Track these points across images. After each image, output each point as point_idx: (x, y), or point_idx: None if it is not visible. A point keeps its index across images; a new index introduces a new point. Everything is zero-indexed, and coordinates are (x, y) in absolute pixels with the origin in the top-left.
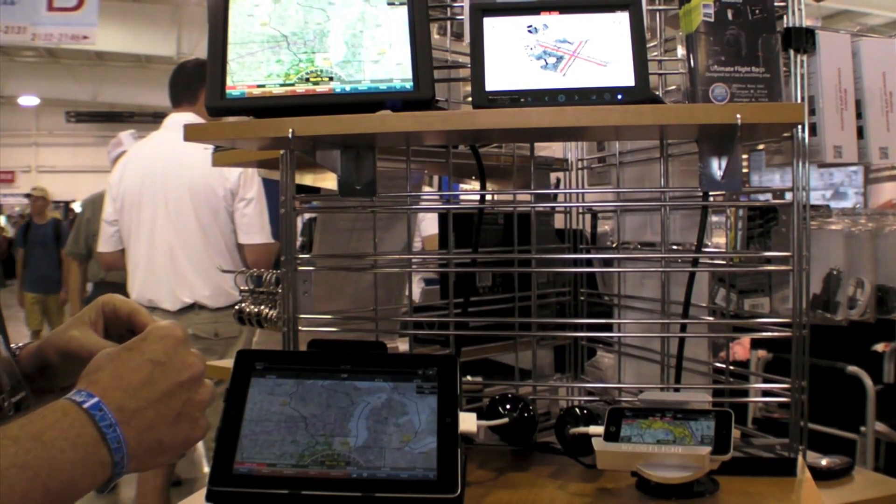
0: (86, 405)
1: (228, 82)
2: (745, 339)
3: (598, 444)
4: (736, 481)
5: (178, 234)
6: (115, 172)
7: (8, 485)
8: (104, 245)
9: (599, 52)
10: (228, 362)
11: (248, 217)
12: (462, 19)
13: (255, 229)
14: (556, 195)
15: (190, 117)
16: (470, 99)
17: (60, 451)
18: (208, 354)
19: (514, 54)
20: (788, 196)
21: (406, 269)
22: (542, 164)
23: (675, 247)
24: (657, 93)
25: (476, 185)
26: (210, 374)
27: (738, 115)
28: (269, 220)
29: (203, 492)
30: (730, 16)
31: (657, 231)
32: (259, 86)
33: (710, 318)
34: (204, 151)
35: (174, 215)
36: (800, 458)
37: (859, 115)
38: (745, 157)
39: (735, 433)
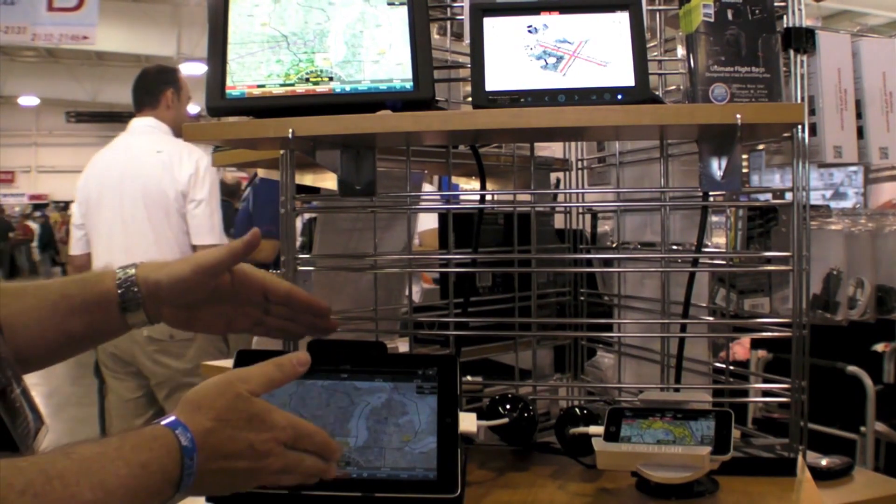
0: (185, 453)
1: (228, 82)
2: (745, 340)
3: (598, 444)
4: (736, 481)
5: (131, 237)
6: (81, 177)
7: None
8: (74, 248)
9: (599, 52)
10: (228, 362)
11: (198, 218)
12: (462, 19)
13: (205, 230)
14: (556, 195)
15: (151, 122)
16: (470, 99)
17: (155, 483)
18: (164, 355)
19: (514, 54)
20: (788, 196)
21: (406, 269)
22: (542, 164)
23: (675, 247)
24: (657, 93)
25: (476, 184)
26: (209, 373)
27: (738, 116)
28: (220, 222)
29: None
30: (730, 16)
31: (657, 231)
32: (259, 86)
33: (710, 319)
34: (157, 155)
35: (129, 218)
36: (800, 459)
37: (859, 116)
38: (745, 157)
39: (735, 433)
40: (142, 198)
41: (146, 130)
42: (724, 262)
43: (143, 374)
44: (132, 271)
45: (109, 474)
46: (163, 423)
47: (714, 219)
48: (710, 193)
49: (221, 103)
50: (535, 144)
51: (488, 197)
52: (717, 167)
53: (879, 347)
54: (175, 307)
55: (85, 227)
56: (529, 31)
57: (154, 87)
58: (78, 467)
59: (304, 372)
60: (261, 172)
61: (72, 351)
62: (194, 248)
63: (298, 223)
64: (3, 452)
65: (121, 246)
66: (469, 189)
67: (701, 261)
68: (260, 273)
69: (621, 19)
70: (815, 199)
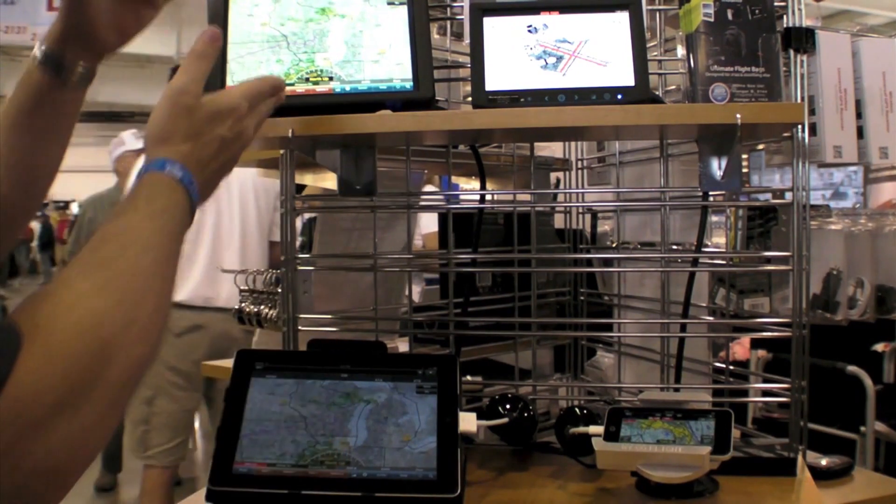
0: (185, 183)
1: (228, 82)
2: (745, 339)
3: (597, 443)
4: (736, 481)
5: (245, 231)
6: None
7: (159, 248)
8: None
9: (599, 51)
10: (228, 362)
11: (277, 214)
12: (462, 19)
13: (277, 227)
14: (556, 195)
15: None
16: (470, 99)
17: (178, 218)
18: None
19: (513, 54)
20: (788, 196)
21: (406, 269)
22: (541, 163)
23: (675, 247)
24: (657, 93)
25: (476, 184)
26: (211, 374)
27: (738, 115)
28: None
29: (203, 491)
30: (730, 16)
31: (657, 231)
32: None
33: (710, 318)
34: None
35: (239, 213)
36: (800, 458)
37: (859, 115)
38: (745, 157)
39: (735, 433)
40: (252, 193)
41: None
42: (724, 262)
43: None
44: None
45: (147, 234)
46: (151, 169)
47: (714, 219)
48: (710, 193)
49: None
50: (535, 144)
51: (488, 197)
52: (717, 167)
53: (879, 347)
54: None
55: None
56: (529, 31)
57: None
58: (121, 244)
59: (219, 45)
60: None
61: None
62: (272, 244)
63: (298, 223)
64: None
65: (232, 240)
66: (469, 189)
67: (701, 261)
68: None
69: (621, 19)
70: (815, 199)
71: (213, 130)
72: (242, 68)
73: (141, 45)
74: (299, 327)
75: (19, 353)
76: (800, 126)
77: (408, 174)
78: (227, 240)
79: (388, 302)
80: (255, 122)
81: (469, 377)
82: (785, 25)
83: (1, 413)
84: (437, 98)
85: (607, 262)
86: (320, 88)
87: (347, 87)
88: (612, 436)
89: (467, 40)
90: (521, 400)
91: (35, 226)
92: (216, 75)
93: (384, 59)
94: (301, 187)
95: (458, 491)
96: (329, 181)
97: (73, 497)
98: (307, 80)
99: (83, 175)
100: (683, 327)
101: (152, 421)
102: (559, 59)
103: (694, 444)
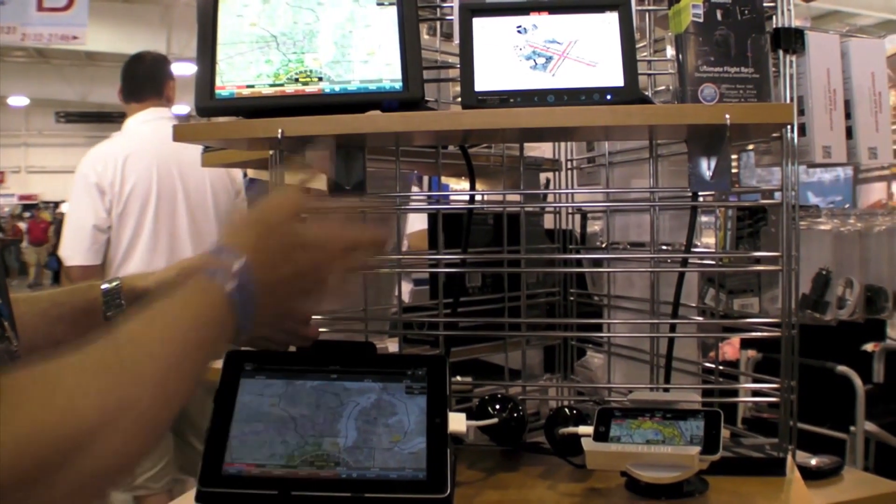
0: (232, 297)
1: (218, 82)
2: (735, 339)
3: (587, 444)
4: (725, 481)
5: (202, 237)
6: (103, 172)
7: (169, 358)
8: (87, 256)
9: (589, 52)
10: (218, 363)
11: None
12: (451, 19)
13: None
14: (545, 195)
15: (168, 114)
16: (459, 99)
17: (204, 333)
18: None
19: (503, 55)
20: (777, 196)
21: (396, 270)
22: (531, 164)
23: (664, 247)
24: (646, 93)
25: (465, 184)
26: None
27: (727, 116)
28: None
29: (192, 493)
30: (719, 16)
31: (647, 231)
32: (248, 86)
33: (700, 319)
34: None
35: (196, 210)
36: (789, 458)
37: (848, 116)
38: (734, 157)
39: (724, 433)
40: (212, 196)
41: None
42: (713, 262)
43: None
44: (117, 282)
45: (160, 339)
46: (203, 273)
47: (703, 219)
48: (700, 193)
49: (211, 104)
50: (525, 144)
51: (478, 197)
52: (707, 167)
53: (869, 347)
54: None
55: (118, 228)
56: (519, 32)
57: (159, 77)
58: (131, 342)
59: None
60: (250, 173)
61: None
62: None
63: None
64: None
65: (187, 241)
66: (459, 189)
67: (690, 261)
68: None
69: (610, 19)
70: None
71: (293, 254)
72: (232, 68)
73: (131, 45)
74: None
75: None
76: (789, 126)
77: (397, 174)
78: (183, 248)
79: (377, 302)
80: (340, 268)
81: (459, 378)
82: (774, 26)
83: None
84: (426, 98)
85: (597, 263)
86: (310, 89)
87: (337, 88)
88: (601, 436)
89: (457, 41)
90: (511, 400)
91: (23, 226)
92: (206, 75)
93: (374, 60)
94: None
95: (448, 491)
96: (318, 181)
97: None
98: (296, 80)
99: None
100: (673, 327)
101: None
102: (549, 59)
103: (683, 444)
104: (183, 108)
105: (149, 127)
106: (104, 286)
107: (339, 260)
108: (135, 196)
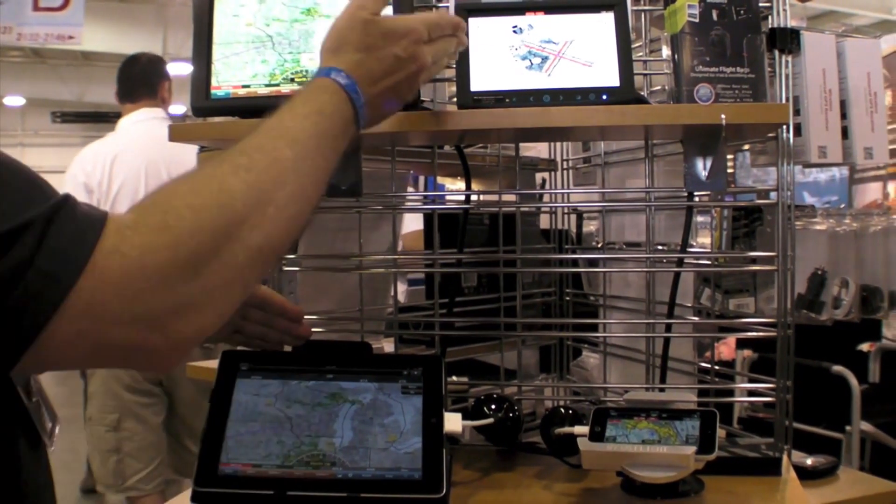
0: (348, 90)
1: (213, 82)
2: (731, 339)
3: (583, 444)
4: (721, 481)
5: None
6: (92, 172)
7: (305, 144)
8: None
9: (584, 52)
10: (214, 363)
11: None
12: None
13: None
14: (541, 195)
15: (162, 114)
16: (455, 99)
17: (336, 125)
18: None
19: (499, 55)
20: (773, 196)
21: (391, 270)
22: (527, 164)
23: (660, 247)
24: (642, 93)
25: (461, 184)
26: (196, 375)
27: (723, 116)
28: None
29: (188, 492)
30: (715, 16)
31: (642, 231)
32: (244, 86)
33: (696, 318)
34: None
35: None
36: (785, 458)
37: (844, 116)
38: (730, 157)
39: (720, 433)
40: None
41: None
42: (709, 262)
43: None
44: None
45: (297, 130)
46: (317, 75)
47: (699, 219)
48: (695, 193)
49: (206, 103)
50: (521, 144)
51: (473, 197)
52: (702, 167)
53: (864, 347)
54: None
55: None
56: (514, 32)
57: (154, 78)
58: (269, 136)
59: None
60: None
61: None
62: None
63: None
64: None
65: None
66: (454, 189)
67: (686, 261)
68: None
69: (606, 20)
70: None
71: (387, 47)
72: (227, 69)
73: (127, 45)
74: None
75: (100, 236)
76: (784, 126)
77: (392, 174)
78: None
79: (373, 302)
80: (433, 52)
81: (454, 377)
82: (770, 26)
83: (108, 283)
84: (422, 98)
85: (593, 263)
86: None
87: None
88: (597, 436)
89: None
90: (507, 400)
91: None
92: (202, 75)
93: None
94: None
95: (444, 491)
96: None
97: (59, 500)
98: (293, 80)
99: None
100: (669, 327)
101: (124, 447)
102: (544, 59)
103: (679, 444)
104: (179, 108)
105: (141, 127)
106: None
107: (429, 45)
108: (122, 195)
